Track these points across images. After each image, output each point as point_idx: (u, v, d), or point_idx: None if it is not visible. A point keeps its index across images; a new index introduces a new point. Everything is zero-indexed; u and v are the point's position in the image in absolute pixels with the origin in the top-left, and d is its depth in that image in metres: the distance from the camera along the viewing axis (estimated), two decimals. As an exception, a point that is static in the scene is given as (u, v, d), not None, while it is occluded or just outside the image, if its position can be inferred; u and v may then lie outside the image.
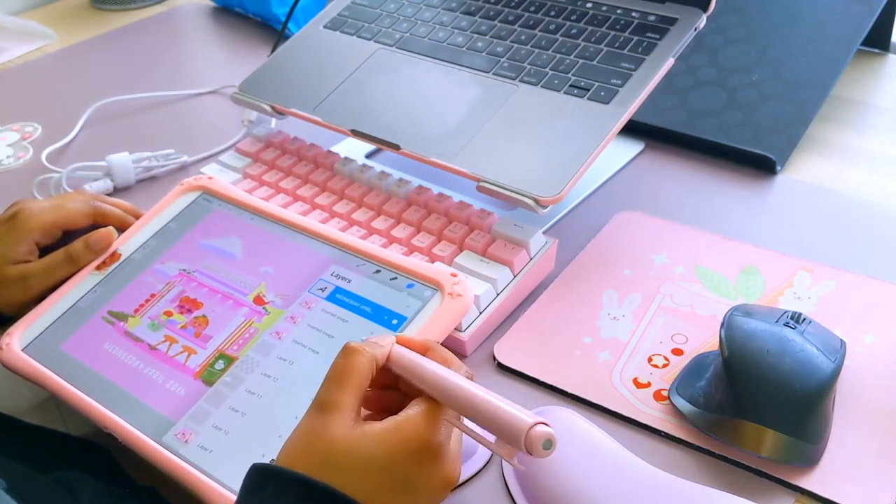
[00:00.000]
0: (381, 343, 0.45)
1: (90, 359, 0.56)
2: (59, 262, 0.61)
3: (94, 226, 0.63)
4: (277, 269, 0.58)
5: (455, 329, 0.59)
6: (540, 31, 0.74)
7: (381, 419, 0.42)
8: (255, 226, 0.63)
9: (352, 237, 0.60)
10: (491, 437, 0.41)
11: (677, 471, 0.50)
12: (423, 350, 0.46)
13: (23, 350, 0.58)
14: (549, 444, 0.38)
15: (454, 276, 0.55)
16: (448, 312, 0.53)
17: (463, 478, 0.51)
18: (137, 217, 0.66)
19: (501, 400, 0.40)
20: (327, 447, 0.41)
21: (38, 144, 0.90)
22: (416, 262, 0.56)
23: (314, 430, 0.42)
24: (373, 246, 0.59)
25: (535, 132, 0.66)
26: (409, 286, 0.55)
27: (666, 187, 0.75)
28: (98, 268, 0.62)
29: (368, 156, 0.81)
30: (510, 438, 0.39)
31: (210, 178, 0.67)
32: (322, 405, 0.42)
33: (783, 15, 0.85)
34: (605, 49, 0.70)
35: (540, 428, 0.38)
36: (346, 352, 0.44)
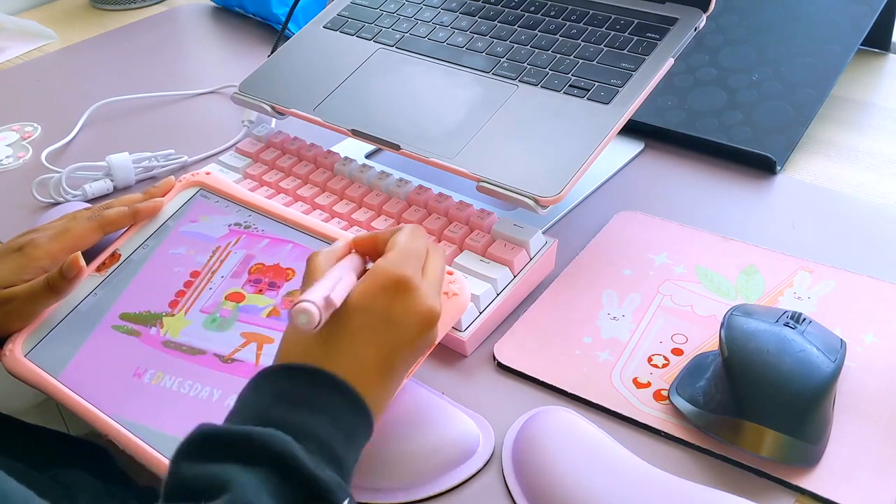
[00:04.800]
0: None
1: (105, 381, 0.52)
2: (39, 288, 0.59)
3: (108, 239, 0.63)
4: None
5: (455, 329, 0.59)
6: (540, 31, 0.74)
7: None
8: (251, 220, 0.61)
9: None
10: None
11: (677, 471, 0.50)
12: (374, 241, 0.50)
13: (25, 356, 0.57)
14: (304, 318, 0.40)
15: (450, 273, 0.54)
16: (445, 312, 0.53)
17: (463, 478, 0.51)
18: (152, 197, 0.65)
19: (337, 267, 0.45)
20: None
21: (38, 144, 0.90)
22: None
23: None
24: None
25: (535, 132, 0.66)
26: None
27: (666, 187, 0.75)
28: (98, 269, 0.62)
29: (368, 156, 0.81)
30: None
31: (207, 173, 0.67)
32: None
33: (783, 15, 0.84)
34: (605, 49, 0.70)
35: (302, 304, 0.40)
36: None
